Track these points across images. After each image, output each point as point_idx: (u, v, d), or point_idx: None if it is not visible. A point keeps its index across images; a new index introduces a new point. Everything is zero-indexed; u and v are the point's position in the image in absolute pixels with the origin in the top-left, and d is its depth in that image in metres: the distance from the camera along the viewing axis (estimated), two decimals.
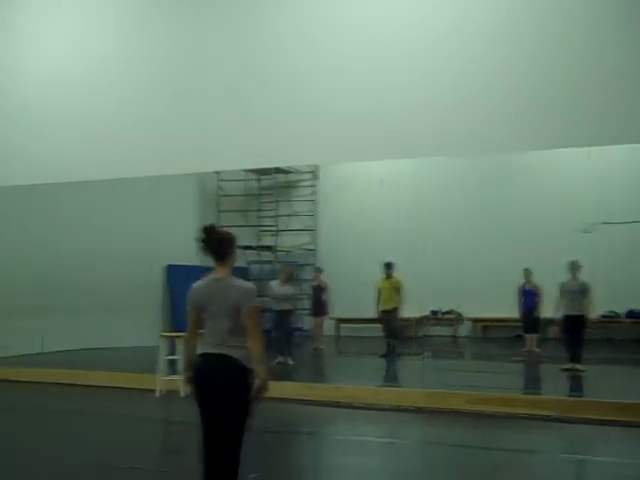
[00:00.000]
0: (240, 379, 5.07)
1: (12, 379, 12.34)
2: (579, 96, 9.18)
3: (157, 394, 10.75)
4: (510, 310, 15.56)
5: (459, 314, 19.18)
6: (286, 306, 14.04)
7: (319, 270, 17.06)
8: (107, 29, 12.06)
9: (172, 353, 10.94)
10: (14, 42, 12.72)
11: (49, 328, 14.62)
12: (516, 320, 15.65)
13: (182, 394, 10.68)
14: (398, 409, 9.78)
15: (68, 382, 11.83)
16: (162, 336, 11.41)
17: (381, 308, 14.75)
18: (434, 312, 19.29)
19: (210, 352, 5.14)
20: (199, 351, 5.21)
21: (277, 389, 10.59)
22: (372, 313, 15.10)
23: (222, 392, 5.07)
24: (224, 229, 5.60)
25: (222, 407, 5.10)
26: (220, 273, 5.28)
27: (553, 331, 14.23)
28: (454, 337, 19.08)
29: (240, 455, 5.25)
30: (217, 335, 5.13)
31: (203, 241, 5.28)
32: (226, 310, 5.13)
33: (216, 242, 5.30)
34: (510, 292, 15.23)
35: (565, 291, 12.23)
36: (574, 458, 7.65)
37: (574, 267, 12.23)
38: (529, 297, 14.76)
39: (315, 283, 16.71)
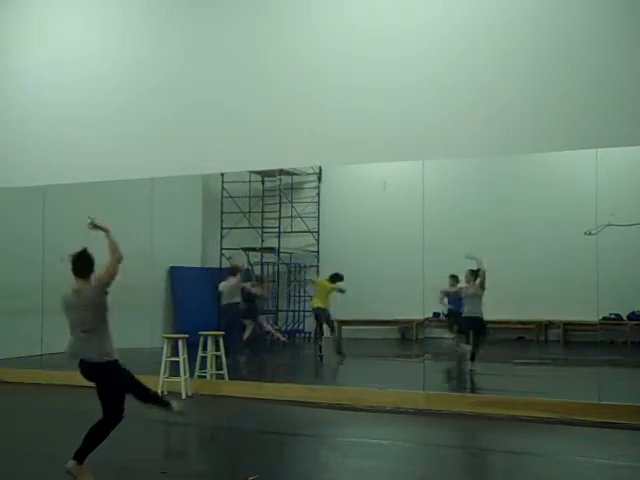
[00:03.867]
0: None
1: (10, 380, 12.40)
2: (586, 97, 9.21)
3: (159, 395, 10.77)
4: (512, 312, 15.56)
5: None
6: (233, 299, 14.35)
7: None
8: (112, 31, 12.12)
9: (174, 354, 10.97)
10: (22, 42, 12.79)
11: (50, 329, 14.62)
12: (518, 322, 15.64)
13: (184, 395, 10.74)
14: (400, 411, 9.81)
15: (68, 384, 11.86)
16: (165, 337, 11.44)
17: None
18: (436, 314, 19.26)
19: None
20: None
21: (278, 391, 10.74)
22: (374, 315, 15.17)
23: None
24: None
25: None
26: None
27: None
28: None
29: None
30: None
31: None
32: None
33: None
34: (512, 294, 15.21)
35: (464, 295, 13.10)
36: (577, 460, 7.65)
37: (471, 275, 12.96)
38: (455, 301, 14.88)
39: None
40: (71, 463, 6.27)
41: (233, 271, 14.65)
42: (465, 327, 13.09)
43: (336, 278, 15.57)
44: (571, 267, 17.11)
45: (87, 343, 6.38)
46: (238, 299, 14.63)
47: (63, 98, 12.30)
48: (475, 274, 12.79)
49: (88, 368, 6.43)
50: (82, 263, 6.48)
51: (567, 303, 17.11)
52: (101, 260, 6.55)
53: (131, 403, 7.46)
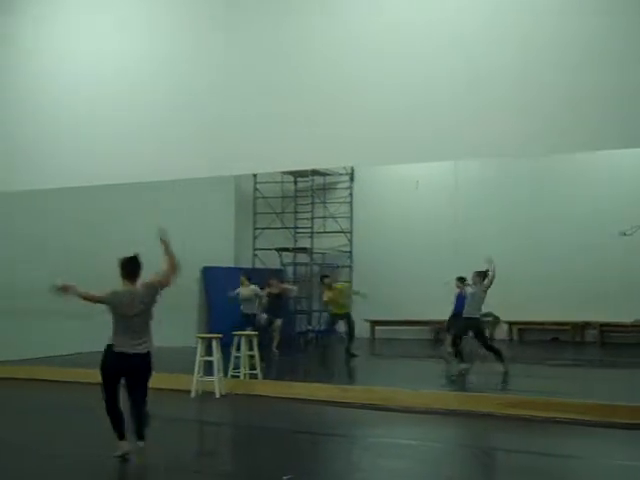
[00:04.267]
0: None
1: (53, 379, 12.54)
2: (625, 94, 9.10)
3: (193, 395, 10.84)
4: (547, 313, 15.43)
5: (496, 317, 19.03)
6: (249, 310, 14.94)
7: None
8: (141, 30, 12.19)
9: (208, 354, 11.02)
10: (47, 43, 12.92)
11: (88, 329, 14.76)
12: (553, 323, 15.50)
13: (217, 395, 10.79)
14: (432, 412, 9.77)
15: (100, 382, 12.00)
16: (198, 337, 11.51)
17: None
18: None
19: None
20: None
21: (310, 391, 10.74)
22: (407, 315, 15.12)
23: None
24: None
25: None
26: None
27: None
28: (490, 340, 18.93)
29: None
30: None
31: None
32: None
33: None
34: (547, 294, 15.06)
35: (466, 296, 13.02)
36: (611, 464, 7.57)
37: (478, 276, 12.65)
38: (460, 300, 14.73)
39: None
40: (141, 443, 7.10)
41: (243, 282, 15.08)
42: (463, 327, 12.91)
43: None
44: (607, 267, 16.98)
45: (138, 338, 7.05)
46: (254, 310, 15.02)
47: (95, 99, 12.38)
48: (483, 275, 12.56)
49: (139, 359, 7.06)
50: (133, 267, 7.15)
51: (604, 304, 16.95)
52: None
53: (167, 404, 7.53)
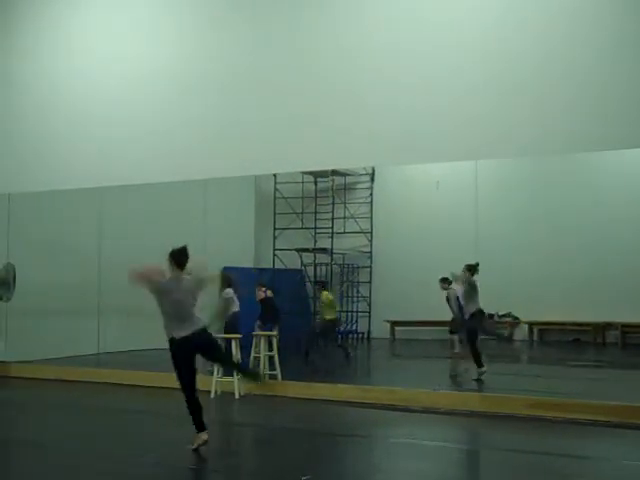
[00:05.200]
0: None
1: (67, 379, 12.62)
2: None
3: (212, 395, 10.84)
4: (568, 313, 15.31)
5: (516, 317, 18.93)
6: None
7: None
8: (165, 31, 12.24)
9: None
10: (65, 45, 13.01)
11: (104, 329, 14.86)
12: (573, 324, 15.36)
13: (237, 395, 10.79)
14: (454, 413, 9.72)
15: (118, 382, 12.09)
16: (218, 338, 11.50)
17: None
18: (490, 315, 19.07)
19: None
20: None
21: (330, 391, 10.72)
22: (427, 315, 15.03)
23: None
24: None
25: None
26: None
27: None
28: (509, 339, 18.83)
29: None
30: None
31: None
32: None
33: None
34: (568, 294, 14.92)
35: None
36: (636, 465, 7.49)
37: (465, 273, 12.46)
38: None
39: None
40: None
41: (227, 282, 13.83)
42: (471, 329, 12.49)
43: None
44: (629, 267, 16.82)
45: (189, 319, 7.57)
46: (237, 308, 14.46)
47: (111, 101, 12.46)
48: (473, 269, 12.31)
49: (197, 337, 7.56)
50: (183, 256, 7.76)
51: (626, 304, 16.79)
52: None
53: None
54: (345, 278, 20.20)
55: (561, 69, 9.41)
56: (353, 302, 19.97)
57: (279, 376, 11.63)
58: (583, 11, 9.36)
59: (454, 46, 10.02)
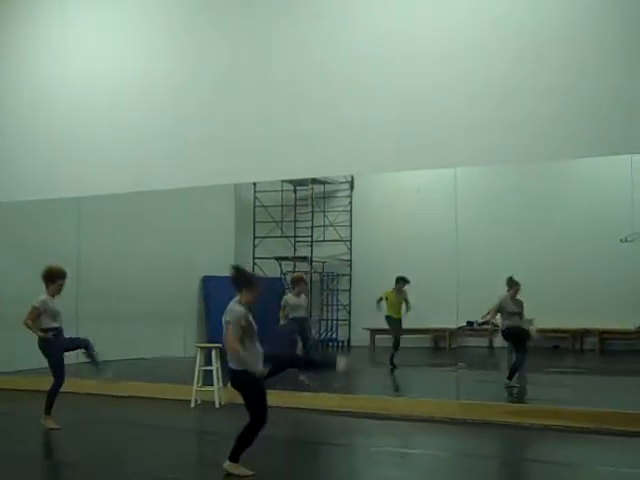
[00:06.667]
0: None
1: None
2: (623, 103, 9.12)
3: (192, 404, 10.83)
4: (546, 320, 15.36)
5: (495, 325, 19.00)
6: None
7: None
8: (152, 45, 12.21)
9: (208, 364, 11.00)
10: (63, 54, 12.96)
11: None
12: (551, 330, 15.44)
13: (217, 405, 10.78)
14: (432, 420, 9.77)
15: (100, 393, 11.93)
16: (198, 347, 11.49)
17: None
18: (470, 323, 19.14)
19: None
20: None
21: (312, 400, 10.73)
22: (407, 324, 15.10)
23: None
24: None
25: None
26: None
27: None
28: (490, 348, 18.92)
29: None
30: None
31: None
32: None
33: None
34: (546, 301, 14.99)
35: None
36: (610, 470, 7.56)
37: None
38: None
39: None
40: (227, 463, 6.94)
41: None
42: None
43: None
44: (607, 274, 16.96)
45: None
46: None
47: (91, 107, 12.43)
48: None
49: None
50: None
51: (603, 311, 16.92)
52: None
53: (166, 413, 7.53)
54: (325, 286, 20.24)
55: (543, 79, 9.50)
56: (333, 310, 20.02)
57: None
58: (550, 21, 9.47)
59: (432, 56, 10.08)
